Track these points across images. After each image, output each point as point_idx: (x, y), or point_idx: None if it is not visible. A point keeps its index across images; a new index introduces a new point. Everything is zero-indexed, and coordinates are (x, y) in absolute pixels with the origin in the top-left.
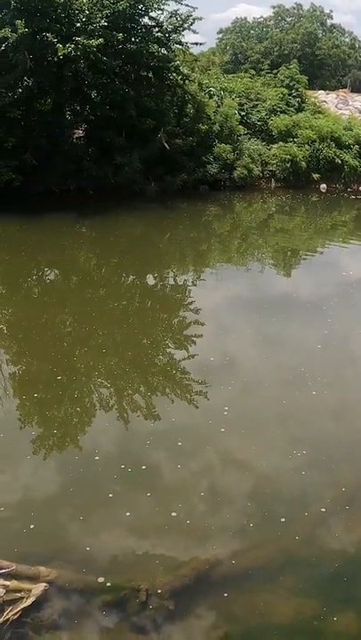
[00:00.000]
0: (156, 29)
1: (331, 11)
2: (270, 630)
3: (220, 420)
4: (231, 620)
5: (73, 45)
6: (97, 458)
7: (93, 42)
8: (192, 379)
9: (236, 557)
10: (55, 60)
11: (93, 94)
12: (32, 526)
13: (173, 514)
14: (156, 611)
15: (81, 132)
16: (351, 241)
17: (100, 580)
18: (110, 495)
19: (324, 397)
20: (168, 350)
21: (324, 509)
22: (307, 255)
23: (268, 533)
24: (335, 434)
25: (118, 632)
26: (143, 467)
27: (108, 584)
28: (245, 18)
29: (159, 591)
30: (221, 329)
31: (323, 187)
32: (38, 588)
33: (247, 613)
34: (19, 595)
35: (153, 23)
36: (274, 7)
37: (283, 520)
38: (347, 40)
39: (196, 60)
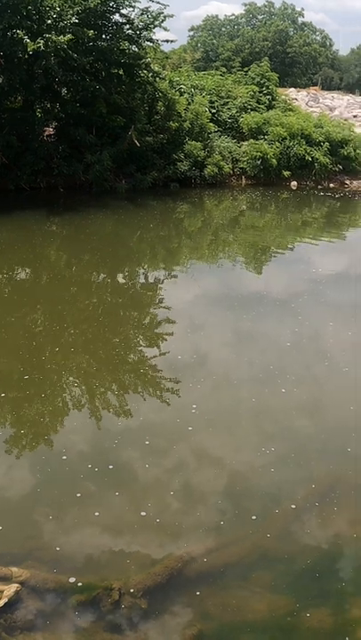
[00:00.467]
0: (127, 27)
1: (302, 9)
2: (244, 627)
3: (189, 418)
4: (205, 617)
5: (42, 41)
6: (64, 457)
7: (63, 38)
8: (162, 377)
9: (209, 555)
10: (25, 57)
11: (64, 92)
12: (0, 527)
13: (143, 513)
14: (129, 610)
15: (51, 129)
16: (321, 238)
17: (72, 579)
18: (78, 495)
19: (294, 395)
20: (139, 348)
21: (294, 506)
22: (277, 252)
23: (240, 531)
24: (304, 431)
25: (92, 632)
26: (110, 466)
27: (80, 584)
28: (217, 15)
29: (132, 590)
30: (192, 326)
31: (293, 184)
32: (10, 589)
33: (221, 611)
34: None
35: (124, 20)
36: (245, 5)
37: (254, 518)
38: (318, 38)
39: (167, 58)
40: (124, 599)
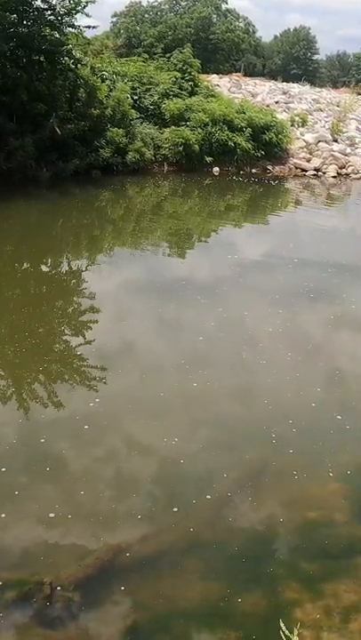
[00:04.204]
0: (49, 12)
1: None
2: (179, 615)
3: (87, 412)
4: (139, 608)
5: None
6: None
7: None
8: (83, 365)
9: (138, 545)
10: None
11: None
12: None
13: (51, 514)
14: (61, 604)
15: None
16: (244, 223)
17: None
18: None
19: (209, 390)
20: (64, 337)
21: (209, 496)
22: (200, 238)
23: (167, 521)
24: (217, 421)
25: (25, 628)
26: (3, 469)
27: (0, 583)
28: (140, 2)
29: (58, 588)
30: (114, 315)
31: (216, 170)
32: None
33: (154, 600)
34: None
35: (45, 6)
36: None
37: (175, 510)
38: (241, 25)
39: (89, 44)
40: (55, 593)
